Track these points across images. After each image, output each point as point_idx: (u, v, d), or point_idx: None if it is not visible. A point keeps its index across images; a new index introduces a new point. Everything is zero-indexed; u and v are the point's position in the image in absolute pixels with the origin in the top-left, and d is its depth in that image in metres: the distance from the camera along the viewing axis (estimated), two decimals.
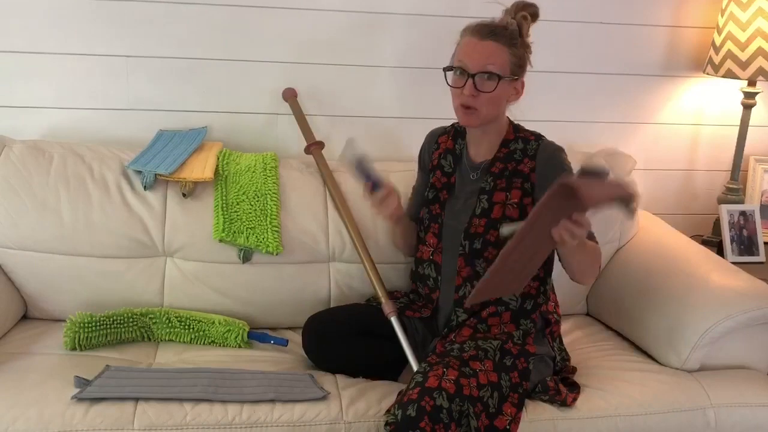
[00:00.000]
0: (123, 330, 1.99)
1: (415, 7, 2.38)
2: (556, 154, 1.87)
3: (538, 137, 1.90)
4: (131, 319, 2.00)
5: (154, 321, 2.02)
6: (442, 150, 1.99)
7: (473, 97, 1.78)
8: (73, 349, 1.92)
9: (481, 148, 1.92)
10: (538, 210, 1.49)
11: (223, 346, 2.04)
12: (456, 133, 1.99)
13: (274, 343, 2.05)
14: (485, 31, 1.79)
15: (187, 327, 2.03)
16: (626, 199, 1.49)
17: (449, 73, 1.83)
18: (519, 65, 1.82)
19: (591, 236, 1.82)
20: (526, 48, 1.84)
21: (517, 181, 1.86)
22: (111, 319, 1.97)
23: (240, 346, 2.04)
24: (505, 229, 1.62)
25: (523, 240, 1.52)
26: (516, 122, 1.94)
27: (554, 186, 1.46)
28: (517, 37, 1.81)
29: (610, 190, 1.50)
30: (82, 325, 1.93)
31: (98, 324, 1.95)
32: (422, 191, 2.03)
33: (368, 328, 1.96)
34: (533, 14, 1.83)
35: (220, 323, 2.04)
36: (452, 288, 1.90)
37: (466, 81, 1.78)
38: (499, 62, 1.78)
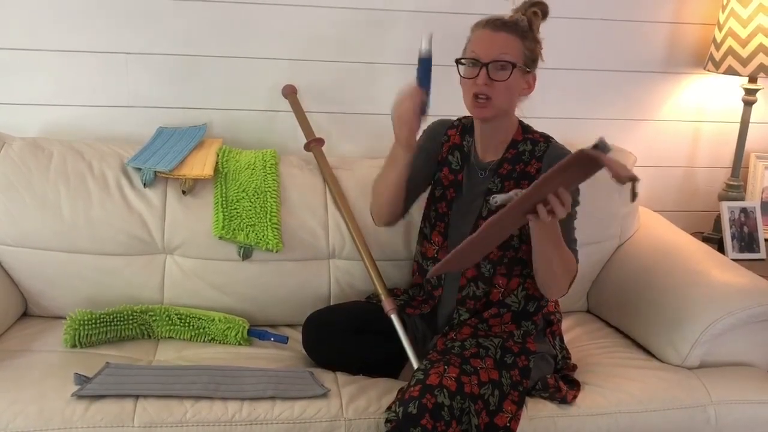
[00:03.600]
0: (123, 327, 1.98)
1: (418, 3, 2.37)
2: (563, 157, 1.84)
3: (547, 139, 1.89)
4: (131, 317, 2.00)
5: (154, 318, 2.02)
6: (451, 144, 1.97)
7: (487, 86, 1.76)
8: (74, 346, 1.92)
9: (489, 147, 1.90)
10: (549, 176, 1.50)
11: (223, 343, 2.03)
12: (464, 129, 1.97)
13: (274, 341, 2.05)
14: (498, 23, 1.78)
15: (187, 324, 2.03)
16: (632, 180, 1.50)
17: (461, 66, 1.81)
18: (532, 58, 1.81)
19: (573, 252, 1.80)
20: (537, 43, 1.82)
21: (524, 183, 1.84)
22: (111, 317, 1.97)
23: (240, 344, 2.03)
24: (500, 198, 1.61)
25: (514, 209, 1.55)
26: (526, 122, 1.92)
27: (573, 154, 1.47)
28: (528, 31, 1.80)
29: (620, 167, 1.49)
30: (82, 322, 1.93)
31: (98, 321, 1.95)
32: (416, 176, 1.95)
33: (368, 326, 1.95)
34: (543, 11, 1.82)
35: (220, 320, 2.04)
36: (456, 287, 1.89)
37: (480, 71, 1.76)
38: (513, 52, 1.77)
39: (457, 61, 1.82)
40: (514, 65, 1.76)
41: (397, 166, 1.86)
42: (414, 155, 1.90)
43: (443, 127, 2.00)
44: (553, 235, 1.68)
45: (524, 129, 1.91)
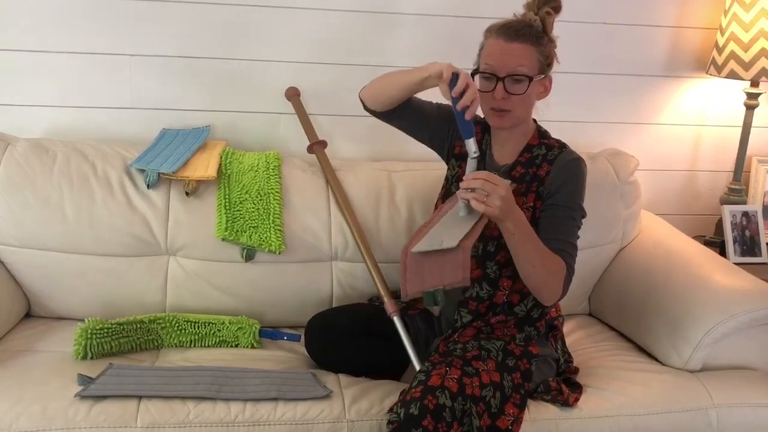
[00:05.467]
0: (133, 340, 1.95)
1: (421, 6, 2.38)
2: (573, 162, 1.83)
3: (562, 146, 1.87)
4: (140, 329, 1.97)
5: (162, 326, 2.00)
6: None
7: (504, 99, 1.75)
8: (84, 358, 1.87)
9: (505, 150, 1.89)
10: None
11: (235, 346, 2.02)
12: (483, 127, 1.93)
13: (287, 339, 2.05)
14: (511, 32, 1.75)
15: (197, 333, 2.01)
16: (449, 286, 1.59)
17: (476, 78, 1.79)
18: (547, 63, 1.80)
19: (562, 254, 1.75)
20: (551, 43, 1.80)
21: (533, 185, 1.83)
22: (121, 327, 1.93)
23: (253, 346, 2.03)
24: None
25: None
26: (544, 128, 1.91)
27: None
28: (543, 34, 1.77)
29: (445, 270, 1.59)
30: (93, 331, 1.88)
31: (108, 332, 1.90)
32: (427, 115, 1.94)
33: (371, 328, 1.96)
34: (556, 8, 1.79)
35: (231, 323, 2.03)
36: (459, 288, 1.89)
37: (496, 85, 1.75)
38: (528, 63, 1.75)
39: (473, 74, 1.79)
40: (530, 78, 1.75)
41: (411, 77, 1.77)
42: (439, 110, 1.93)
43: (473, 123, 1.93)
44: (522, 234, 1.66)
45: (541, 134, 1.89)
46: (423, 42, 2.40)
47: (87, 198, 2.07)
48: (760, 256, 2.55)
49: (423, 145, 2.04)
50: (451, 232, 1.67)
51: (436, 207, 1.98)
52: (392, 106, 1.91)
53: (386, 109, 1.92)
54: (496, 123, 1.82)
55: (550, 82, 1.84)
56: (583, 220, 1.84)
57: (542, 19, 1.78)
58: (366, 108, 1.98)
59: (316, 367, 1.94)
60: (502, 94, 1.75)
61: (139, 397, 1.70)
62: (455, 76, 1.65)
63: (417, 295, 1.64)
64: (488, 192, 1.59)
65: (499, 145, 1.90)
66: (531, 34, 1.76)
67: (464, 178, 1.65)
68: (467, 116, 1.65)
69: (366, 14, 2.36)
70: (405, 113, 1.92)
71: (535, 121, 1.91)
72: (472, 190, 1.61)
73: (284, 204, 2.16)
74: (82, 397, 1.68)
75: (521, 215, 1.68)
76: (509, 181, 1.67)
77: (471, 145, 1.67)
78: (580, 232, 1.82)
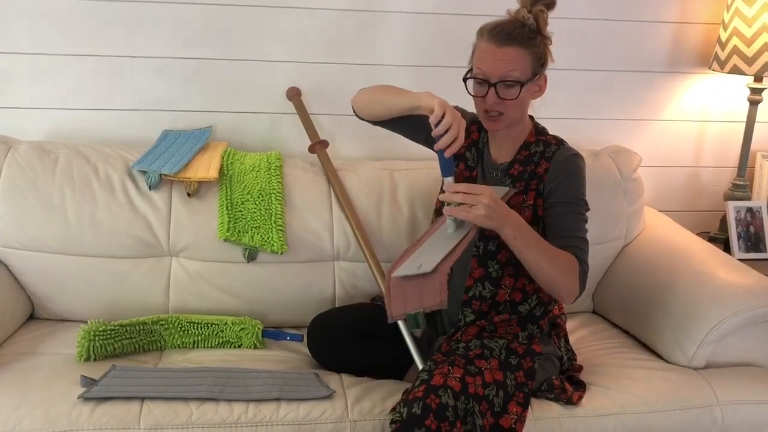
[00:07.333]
0: (136, 340, 1.95)
1: (419, 5, 2.38)
2: (571, 158, 1.82)
3: (560, 142, 1.87)
4: (143, 331, 1.97)
5: (165, 327, 2.00)
6: (470, 141, 1.92)
7: (497, 104, 1.75)
8: (87, 360, 1.87)
9: (502, 149, 1.88)
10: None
11: (237, 346, 2.03)
12: (480, 125, 1.91)
13: (290, 340, 2.05)
14: (502, 35, 1.72)
15: (200, 334, 2.02)
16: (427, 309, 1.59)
17: (469, 82, 1.78)
18: (540, 63, 1.77)
19: (573, 250, 1.74)
20: (545, 41, 1.78)
21: (533, 182, 1.82)
22: (124, 329, 1.93)
23: (256, 346, 2.03)
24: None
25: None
26: (541, 126, 1.90)
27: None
28: (536, 33, 1.75)
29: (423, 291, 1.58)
30: (96, 333, 1.89)
31: (111, 336, 1.90)
32: (415, 125, 1.88)
33: (373, 327, 1.95)
34: (549, 5, 1.77)
35: (233, 323, 2.04)
36: (462, 287, 1.88)
37: (488, 90, 1.74)
38: (520, 67, 1.73)
39: (464, 79, 1.79)
40: (522, 83, 1.74)
41: (402, 102, 1.77)
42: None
43: (470, 122, 1.93)
44: (524, 237, 1.67)
45: (538, 131, 1.88)
46: (421, 40, 2.40)
47: (89, 200, 2.08)
48: (765, 252, 2.54)
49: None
50: (432, 254, 1.68)
51: (436, 207, 1.98)
52: (381, 119, 1.91)
53: (375, 120, 1.93)
54: (490, 126, 1.81)
55: (545, 81, 1.82)
56: (588, 214, 1.83)
57: (536, 16, 1.75)
58: (356, 115, 1.98)
59: (319, 367, 1.94)
60: (495, 99, 1.74)
61: (142, 399, 1.70)
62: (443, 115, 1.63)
63: (401, 317, 1.65)
64: (470, 203, 1.61)
65: (496, 143, 1.90)
66: (523, 36, 1.73)
67: (445, 192, 1.66)
68: (447, 154, 1.65)
69: (365, 13, 2.36)
70: (395, 122, 1.91)
71: (531, 118, 1.90)
72: (457, 204, 1.62)
73: (286, 204, 2.16)
74: (85, 398, 1.68)
75: (518, 219, 1.68)
76: (494, 188, 1.66)
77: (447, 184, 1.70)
78: (586, 226, 1.82)
